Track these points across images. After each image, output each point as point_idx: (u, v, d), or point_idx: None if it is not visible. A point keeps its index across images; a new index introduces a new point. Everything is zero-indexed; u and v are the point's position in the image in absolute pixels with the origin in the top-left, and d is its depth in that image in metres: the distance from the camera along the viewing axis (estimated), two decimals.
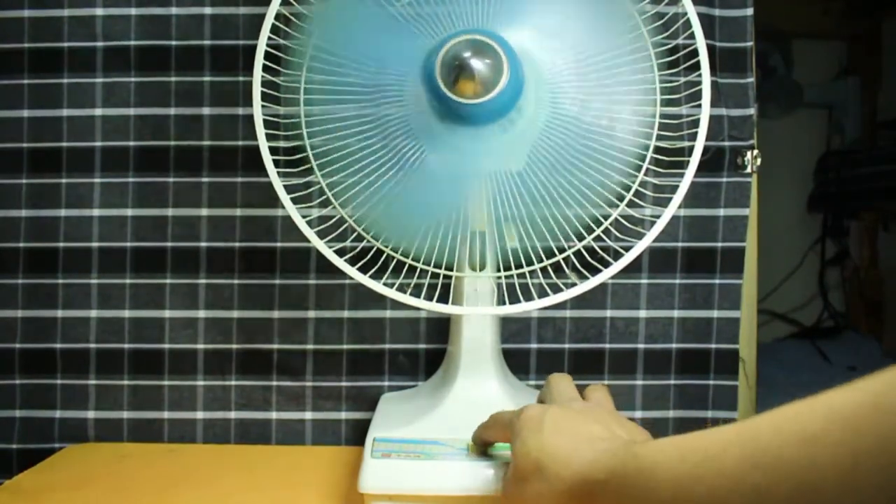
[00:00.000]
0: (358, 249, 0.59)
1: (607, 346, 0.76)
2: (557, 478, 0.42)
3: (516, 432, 0.46)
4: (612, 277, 0.57)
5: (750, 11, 0.74)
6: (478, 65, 0.51)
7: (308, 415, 0.76)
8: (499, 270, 0.60)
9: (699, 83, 0.57)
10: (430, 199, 0.57)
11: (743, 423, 0.33)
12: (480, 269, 0.60)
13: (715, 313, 0.76)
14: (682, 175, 0.57)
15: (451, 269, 0.58)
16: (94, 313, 0.76)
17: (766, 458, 0.30)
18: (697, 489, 0.33)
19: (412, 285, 0.57)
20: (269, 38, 0.58)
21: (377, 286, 0.57)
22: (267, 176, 0.58)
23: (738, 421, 0.35)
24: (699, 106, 0.57)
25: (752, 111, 0.75)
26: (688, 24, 0.57)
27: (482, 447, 0.55)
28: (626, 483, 0.38)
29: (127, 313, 0.76)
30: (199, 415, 0.76)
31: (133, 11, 0.75)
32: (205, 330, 0.76)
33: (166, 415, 0.76)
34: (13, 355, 0.76)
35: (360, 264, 0.58)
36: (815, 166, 1.84)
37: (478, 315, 0.61)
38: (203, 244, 0.76)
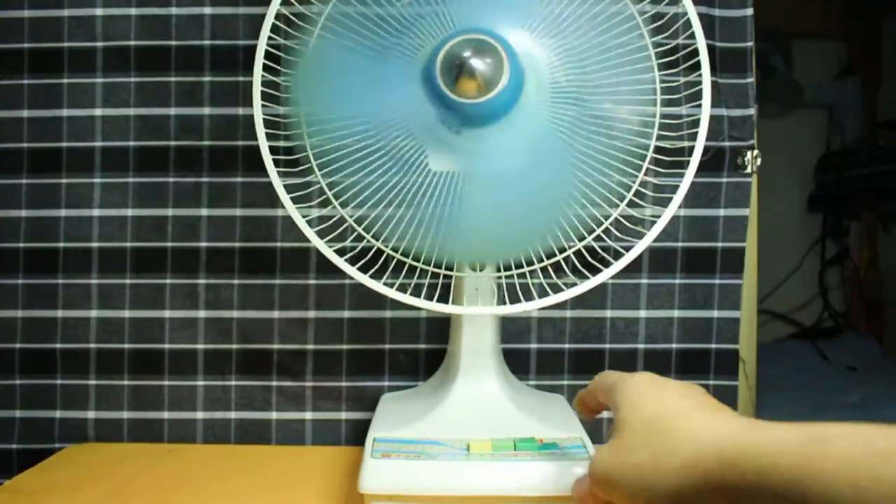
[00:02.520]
0: (358, 249, 0.59)
1: (607, 346, 0.76)
2: (691, 440, 0.37)
3: (624, 395, 0.42)
4: (612, 277, 0.57)
5: (750, 11, 0.74)
6: (478, 64, 0.51)
7: (308, 415, 0.76)
8: (499, 270, 0.60)
9: (699, 83, 0.57)
10: (430, 198, 0.57)
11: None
12: (480, 269, 0.60)
13: (715, 313, 0.76)
14: (682, 175, 0.57)
15: (451, 269, 0.58)
16: (94, 313, 0.76)
17: None
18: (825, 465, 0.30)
19: (412, 285, 0.57)
20: (269, 38, 0.58)
21: (377, 286, 0.57)
22: (267, 176, 0.58)
23: None
24: (699, 106, 0.57)
25: (752, 111, 0.75)
26: (688, 24, 0.57)
27: (588, 415, 0.49)
28: (765, 474, 0.32)
29: (127, 313, 0.76)
30: (199, 415, 0.76)
31: (133, 11, 0.75)
32: (205, 330, 0.76)
33: (166, 415, 0.76)
34: (13, 355, 0.76)
35: (360, 264, 0.58)
36: (815, 166, 1.84)
37: (478, 315, 0.61)
38: (203, 244, 0.76)
